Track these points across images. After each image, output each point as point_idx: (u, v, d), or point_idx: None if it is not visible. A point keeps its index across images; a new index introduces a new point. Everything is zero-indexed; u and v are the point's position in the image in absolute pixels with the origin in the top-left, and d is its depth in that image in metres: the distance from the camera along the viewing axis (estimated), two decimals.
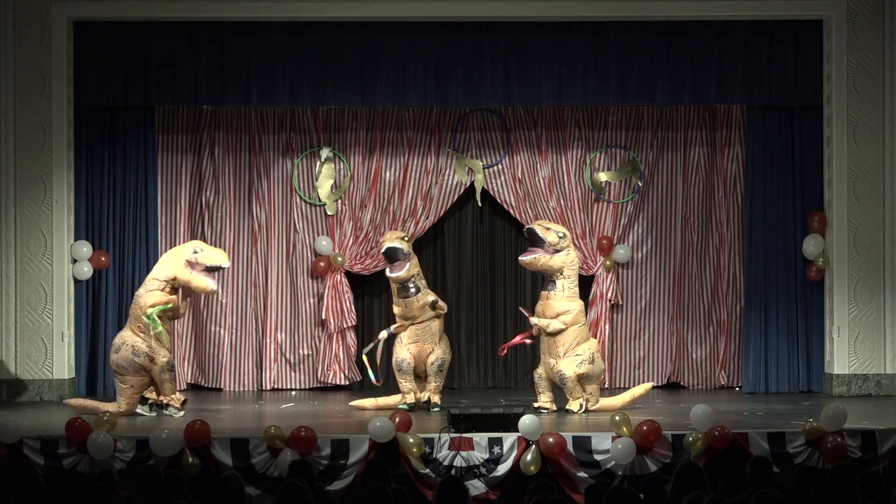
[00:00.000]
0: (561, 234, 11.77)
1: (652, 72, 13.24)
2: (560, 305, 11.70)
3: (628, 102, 13.58)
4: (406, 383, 11.98)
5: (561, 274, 11.73)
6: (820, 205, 13.38)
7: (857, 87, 13.11)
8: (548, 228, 11.80)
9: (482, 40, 13.25)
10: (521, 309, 12.44)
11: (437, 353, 12.00)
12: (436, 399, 11.98)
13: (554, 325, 11.66)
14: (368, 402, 12.09)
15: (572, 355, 11.61)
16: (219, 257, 11.78)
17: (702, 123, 14.07)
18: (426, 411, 11.80)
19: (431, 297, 12.13)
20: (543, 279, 11.99)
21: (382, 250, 12.15)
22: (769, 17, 13.18)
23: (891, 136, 13.10)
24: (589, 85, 13.27)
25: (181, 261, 11.74)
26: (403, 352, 12.00)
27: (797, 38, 13.31)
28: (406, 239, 12.18)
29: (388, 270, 12.14)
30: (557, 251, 11.70)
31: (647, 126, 14.07)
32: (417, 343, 12.01)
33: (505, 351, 12.46)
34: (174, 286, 11.73)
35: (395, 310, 12.23)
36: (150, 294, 11.68)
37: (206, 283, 11.71)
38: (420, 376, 12.10)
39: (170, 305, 11.65)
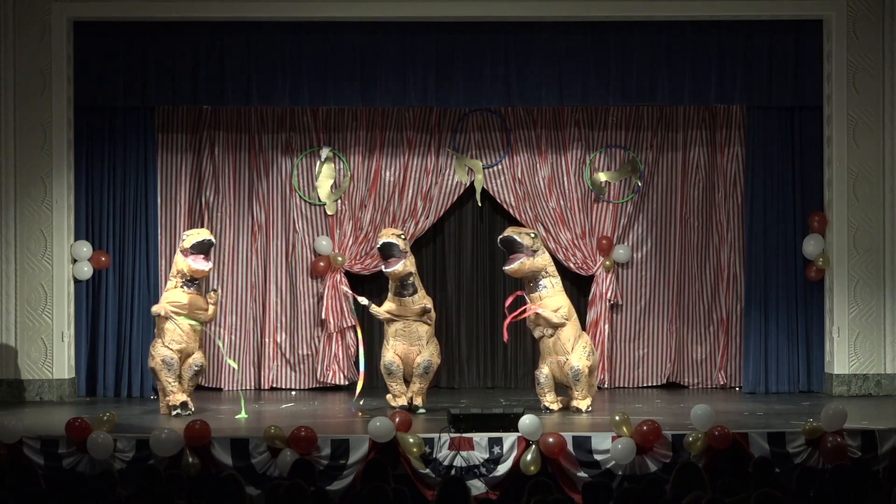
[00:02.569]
0: (533, 235, 11.87)
1: (652, 72, 13.24)
2: (554, 302, 11.75)
3: (628, 102, 13.58)
4: (397, 385, 11.95)
5: (546, 272, 11.81)
6: (820, 205, 13.38)
7: (857, 87, 13.11)
8: (520, 233, 11.85)
9: (482, 40, 13.25)
10: (520, 294, 12.22)
11: (424, 356, 11.97)
12: (418, 401, 11.96)
13: (558, 316, 11.66)
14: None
15: (579, 349, 11.69)
16: (199, 234, 11.84)
17: (702, 123, 14.07)
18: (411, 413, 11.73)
19: (427, 303, 12.11)
20: (525, 284, 11.93)
21: (378, 246, 12.10)
22: (769, 17, 13.19)
23: (891, 136, 13.10)
24: (589, 85, 13.27)
25: (178, 253, 11.89)
26: (390, 354, 11.97)
27: (797, 38, 13.31)
28: (402, 237, 12.16)
29: (384, 266, 12.12)
30: (535, 251, 11.76)
31: (647, 126, 14.07)
32: (404, 344, 11.98)
33: (506, 333, 12.22)
34: (185, 278, 11.79)
35: (388, 306, 12.16)
36: (166, 293, 11.88)
37: (191, 264, 11.72)
38: (406, 379, 12.07)
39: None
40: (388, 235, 12.07)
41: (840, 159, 13.13)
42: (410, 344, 11.99)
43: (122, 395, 13.30)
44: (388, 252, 12.01)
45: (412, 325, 12.03)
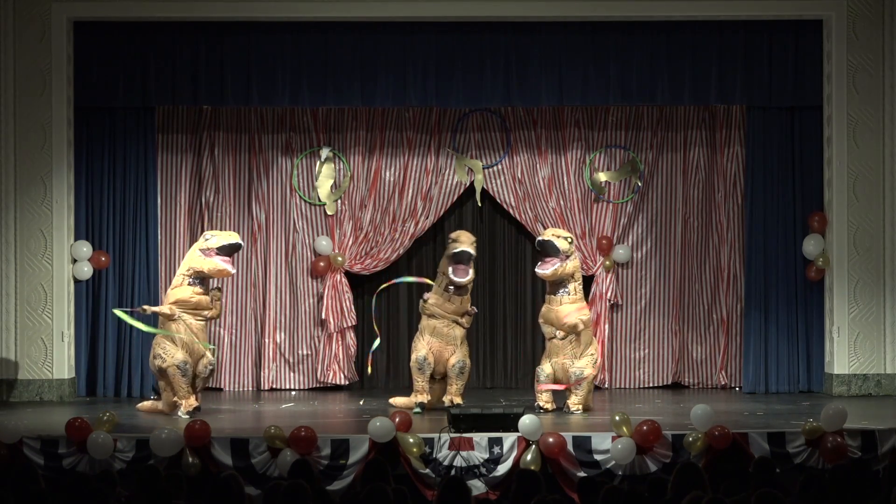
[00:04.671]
0: (570, 240, 11.85)
1: (652, 72, 13.24)
2: (574, 307, 11.74)
3: (628, 102, 13.58)
4: (422, 382, 11.90)
5: (573, 278, 11.80)
6: (820, 205, 13.38)
7: (857, 87, 13.10)
8: (559, 237, 11.80)
9: (482, 40, 13.25)
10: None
11: (458, 356, 11.95)
12: (458, 401, 11.86)
13: (578, 324, 11.67)
14: (403, 401, 12.03)
15: (587, 355, 11.71)
16: (230, 237, 11.83)
17: (702, 123, 14.07)
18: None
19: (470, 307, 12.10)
20: (548, 285, 11.91)
21: (455, 251, 11.78)
22: (769, 17, 13.19)
23: (891, 136, 13.10)
24: (589, 85, 13.26)
25: (195, 251, 11.81)
26: (425, 350, 11.90)
27: (797, 38, 13.31)
28: (475, 244, 12.02)
29: (452, 273, 11.79)
30: (568, 257, 11.75)
31: (647, 126, 14.07)
32: (440, 343, 11.96)
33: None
34: (197, 277, 11.72)
35: (432, 299, 11.97)
36: (173, 291, 11.81)
37: (218, 265, 11.68)
38: (434, 377, 12.02)
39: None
40: (466, 244, 11.86)
41: (840, 159, 13.12)
42: (447, 343, 11.95)
43: (122, 395, 13.30)
44: (461, 259, 11.83)
45: (451, 325, 11.99)
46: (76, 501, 7.06)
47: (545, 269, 11.74)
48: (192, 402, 11.57)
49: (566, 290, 11.77)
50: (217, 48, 13.21)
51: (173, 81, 13.21)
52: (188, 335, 11.63)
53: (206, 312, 11.82)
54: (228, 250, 11.77)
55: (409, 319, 13.92)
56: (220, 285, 12.19)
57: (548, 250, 11.72)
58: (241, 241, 11.93)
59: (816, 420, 10.10)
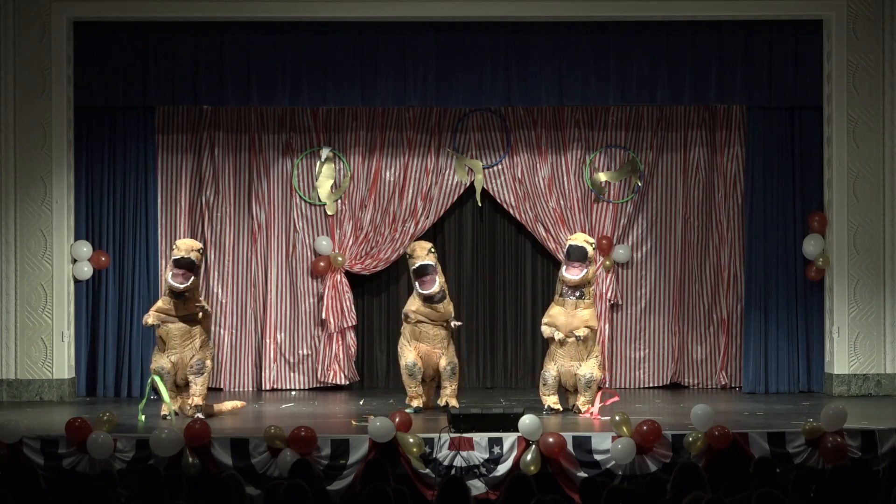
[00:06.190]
0: (594, 245, 11.88)
1: (652, 72, 13.24)
2: (587, 312, 11.74)
3: (628, 102, 13.58)
4: (415, 387, 11.90)
5: (590, 283, 11.81)
6: (820, 205, 13.38)
7: (857, 87, 13.11)
8: (589, 242, 11.77)
9: (482, 40, 13.25)
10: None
11: (448, 357, 11.94)
12: (454, 402, 11.87)
13: (584, 331, 11.69)
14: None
15: (593, 357, 11.71)
16: (181, 247, 11.37)
17: (702, 123, 14.07)
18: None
19: (451, 310, 12.06)
20: (562, 287, 11.79)
21: (414, 267, 11.90)
22: (769, 17, 13.19)
23: (891, 136, 13.10)
24: (589, 85, 13.27)
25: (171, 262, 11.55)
26: (413, 355, 11.88)
27: (797, 38, 13.31)
28: (432, 250, 12.05)
29: (419, 287, 11.85)
30: (590, 262, 11.75)
31: (647, 126, 14.07)
32: (427, 346, 11.94)
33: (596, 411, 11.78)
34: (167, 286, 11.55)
35: (413, 306, 12.04)
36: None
37: (168, 280, 11.36)
38: (424, 379, 12.02)
39: None
40: (423, 257, 11.89)
41: (840, 159, 13.13)
42: (433, 346, 11.93)
43: (122, 395, 13.30)
44: (423, 272, 11.89)
45: (436, 328, 11.99)
46: (76, 501, 7.07)
47: (575, 275, 11.65)
48: (164, 409, 11.37)
49: (584, 294, 11.75)
50: (217, 48, 13.21)
51: (173, 81, 13.21)
52: (169, 340, 11.46)
53: (191, 316, 11.43)
54: (178, 264, 11.34)
55: None
56: (205, 305, 11.73)
57: (578, 256, 11.67)
58: (190, 257, 11.28)
59: (816, 420, 10.10)
